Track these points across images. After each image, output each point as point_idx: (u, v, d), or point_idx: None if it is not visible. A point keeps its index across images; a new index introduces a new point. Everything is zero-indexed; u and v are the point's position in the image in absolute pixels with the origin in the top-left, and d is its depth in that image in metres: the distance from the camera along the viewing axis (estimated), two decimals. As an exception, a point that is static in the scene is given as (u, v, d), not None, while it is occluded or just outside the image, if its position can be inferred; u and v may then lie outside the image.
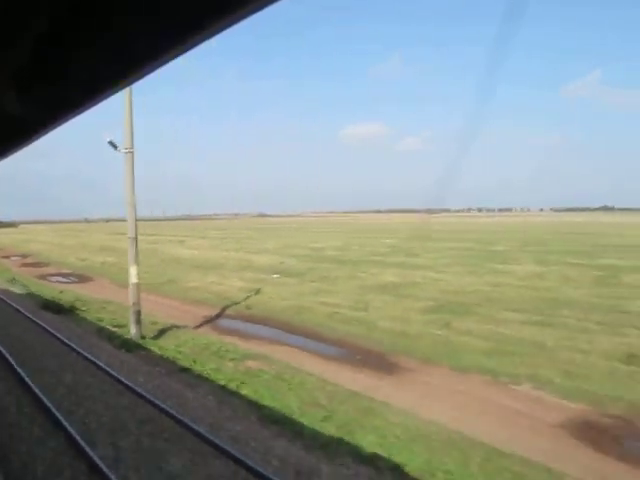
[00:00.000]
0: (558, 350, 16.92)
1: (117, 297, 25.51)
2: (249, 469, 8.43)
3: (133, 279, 18.44)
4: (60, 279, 37.17)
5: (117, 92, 2.49)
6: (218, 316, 22.90)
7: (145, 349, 16.57)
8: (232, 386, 13.03)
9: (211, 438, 9.48)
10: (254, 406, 11.80)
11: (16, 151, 4.24)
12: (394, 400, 12.61)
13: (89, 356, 14.75)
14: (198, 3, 1.61)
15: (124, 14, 1.87)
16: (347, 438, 10.36)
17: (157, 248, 57.06)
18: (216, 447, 9.20)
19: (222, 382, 13.28)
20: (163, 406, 10.99)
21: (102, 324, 20.62)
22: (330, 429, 10.76)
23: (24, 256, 57.49)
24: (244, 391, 12.73)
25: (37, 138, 3.63)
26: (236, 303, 25.24)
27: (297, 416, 11.32)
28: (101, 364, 13.99)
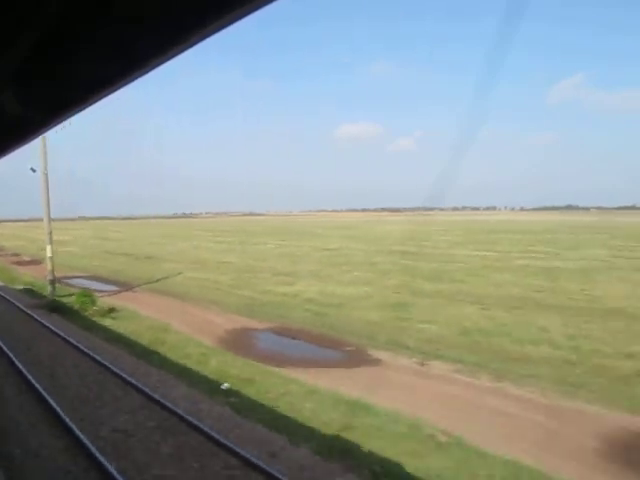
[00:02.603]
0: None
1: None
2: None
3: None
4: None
5: (117, 91, 2.47)
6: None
7: None
8: None
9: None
10: None
11: (16, 149, 4.19)
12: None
13: None
14: (197, 3, 1.60)
15: (124, 14, 1.85)
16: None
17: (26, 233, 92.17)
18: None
19: None
20: None
21: None
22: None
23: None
24: None
25: (36, 137, 3.58)
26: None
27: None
28: None
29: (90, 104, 2.73)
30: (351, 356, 16.13)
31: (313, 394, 12.34)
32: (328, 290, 27.11)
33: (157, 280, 32.32)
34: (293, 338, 18.05)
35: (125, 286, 30.69)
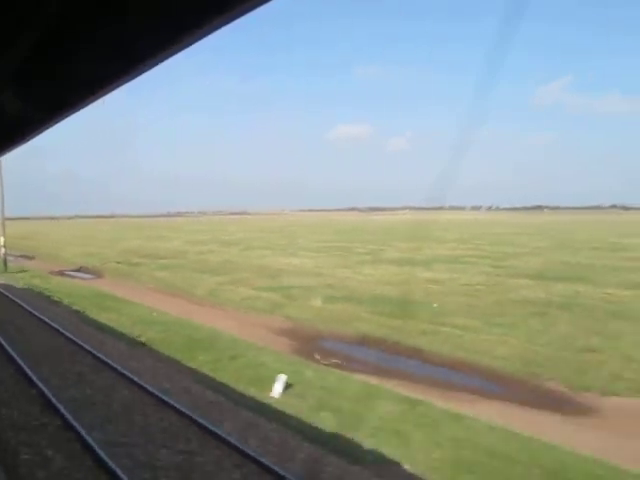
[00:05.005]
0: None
1: None
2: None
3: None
4: None
5: (115, 89, 2.44)
6: None
7: None
8: None
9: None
10: None
11: (16, 148, 4.13)
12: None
13: None
14: (197, 3, 1.58)
15: (124, 14, 1.83)
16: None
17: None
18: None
19: None
20: None
21: None
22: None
23: None
24: None
25: (36, 135, 3.53)
26: None
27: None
28: None
29: (90, 103, 2.70)
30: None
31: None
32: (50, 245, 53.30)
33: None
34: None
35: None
